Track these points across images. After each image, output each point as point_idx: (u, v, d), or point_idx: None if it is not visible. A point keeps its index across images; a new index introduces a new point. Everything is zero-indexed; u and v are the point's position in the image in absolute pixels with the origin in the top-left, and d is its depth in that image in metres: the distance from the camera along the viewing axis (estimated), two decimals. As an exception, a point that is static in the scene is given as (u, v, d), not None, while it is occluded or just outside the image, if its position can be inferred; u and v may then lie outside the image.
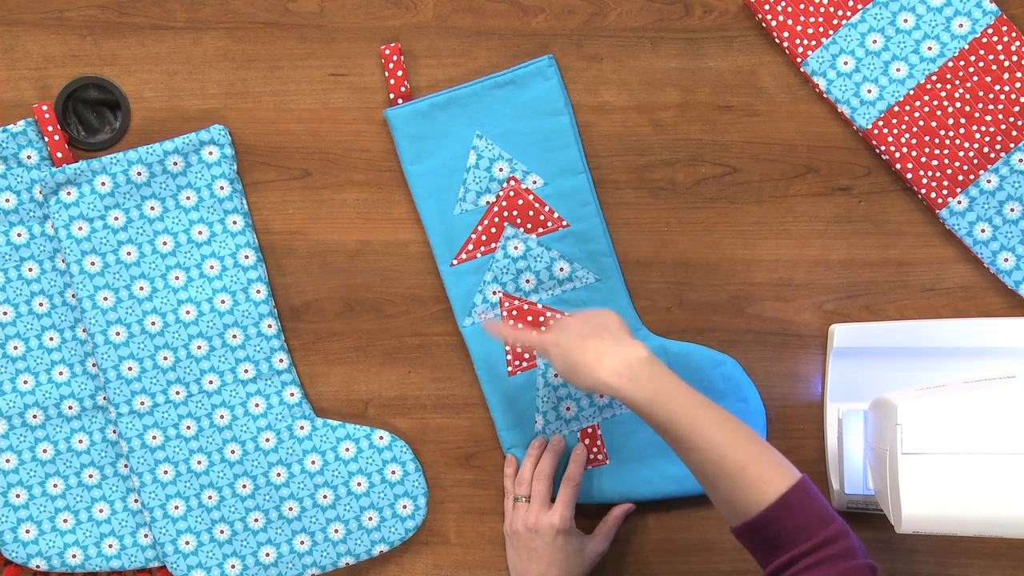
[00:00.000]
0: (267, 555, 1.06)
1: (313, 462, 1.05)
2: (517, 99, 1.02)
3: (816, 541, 0.82)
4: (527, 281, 1.04)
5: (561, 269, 1.04)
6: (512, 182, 1.03)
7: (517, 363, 1.05)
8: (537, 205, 1.03)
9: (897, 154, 1.01)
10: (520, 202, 1.03)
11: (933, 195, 1.01)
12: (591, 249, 1.04)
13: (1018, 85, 0.99)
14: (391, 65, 1.04)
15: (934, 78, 1.00)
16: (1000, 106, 1.00)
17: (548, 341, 0.93)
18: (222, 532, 1.05)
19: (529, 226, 1.04)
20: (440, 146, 1.03)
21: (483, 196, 1.04)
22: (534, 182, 1.03)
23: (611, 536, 1.04)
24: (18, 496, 1.06)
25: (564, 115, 1.02)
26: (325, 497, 1.05)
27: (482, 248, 1.04)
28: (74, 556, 1.06)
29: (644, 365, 0.89)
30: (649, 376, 0.88)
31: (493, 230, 1.04)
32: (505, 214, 1.04)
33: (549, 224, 1.04)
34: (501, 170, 1.03)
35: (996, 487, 0.84)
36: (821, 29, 1.01)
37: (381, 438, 1.06)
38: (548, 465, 1.03)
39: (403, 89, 1.04)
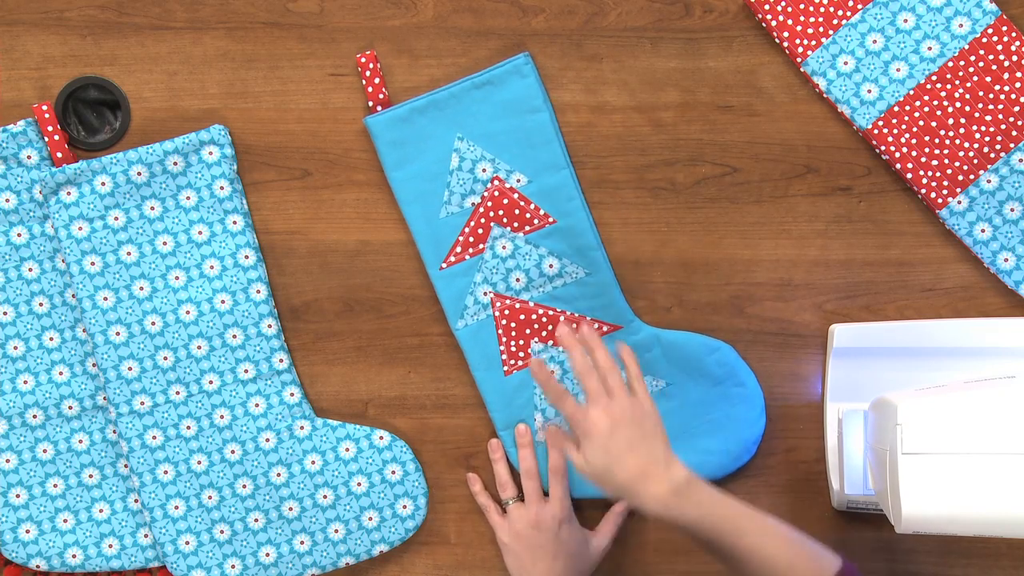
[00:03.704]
0: (267, 555, 1.06)
1: (313, 462, 1.05)
2: (495, 99, 1.02)
3: None
4: (517, 280, 1.04)
5: (550, 266, 1.04)
6: (496, 182, 1.03)
7: (512, 362, 1.05)
8: (522, 203, 1.03)
9: (897, 154, 1.01)
10: (505, 201, 1.03)
11: (933, 195, 1.01)
12: (579, 244, 1.04)
13: (1018, 85, 0.99)
14: (368, 73, 1.04)
15: (934, 78, 1.00)
16: (1000, 106, 1.00)
17: (588, 431, 0.90)
18: (222, 532, 1.05)
19: (516, 225, 1.04)
20: (421, 151, 1.03)
21: (468, 198, 1.04)
22: (518, 180, 1.03)
23: (614, 531, 1.04)
24: (18, 496, 1.06)
25: (543, 112, 1.02)
26: (325, 497, 1.05)
27: (470, 250, 1.04)
28: (74, 556, 1.06)
29: (687, 488, 0.89)
30: (695, 501, 0.88)
31: (480, 231, 1.04)
32: (491, 214, 1.04)
33: (535, 221, 1.04)
34: (484, 171, 1.03)
35: (996, 487, 0.84)
36: (821, 29, 1.01)
37: (381, 438, 1.06)
38: (531, 460, 1.03)
39: (381, 96, 1.04)
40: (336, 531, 1.06)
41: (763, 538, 0.89)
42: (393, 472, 1.06)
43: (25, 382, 1.05)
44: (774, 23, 1.01)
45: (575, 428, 0.91)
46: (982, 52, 0.99)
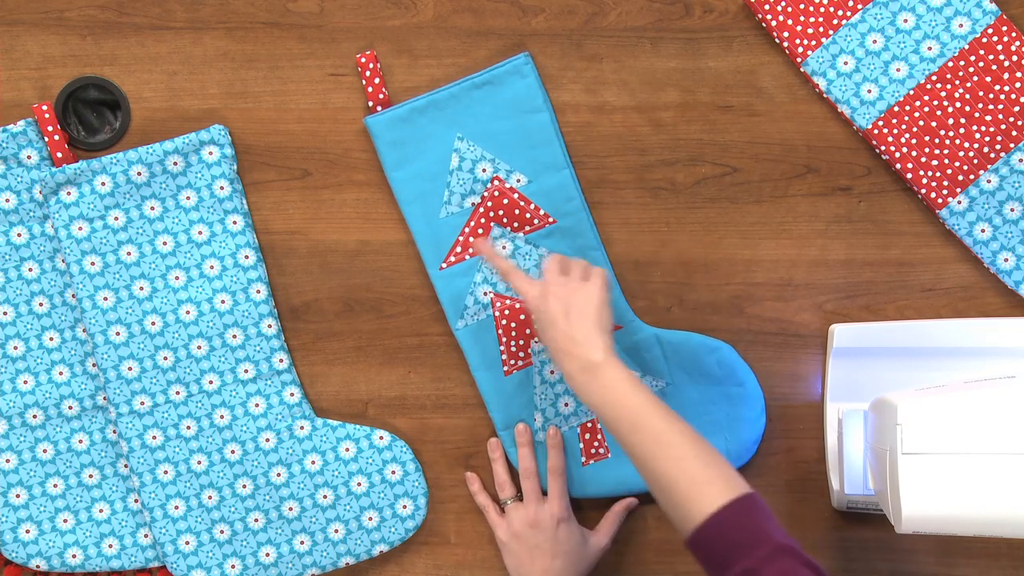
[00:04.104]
0: (267, 555, 1.06)
1: (313, 462, 1.05)
2: (496, 99, 1.02)
3: (751, 562, 0.78)
4: None
5: None
6: (496, 182, 1.03)
7: (513, 362, 1.05)
8: (522, 203, 1.03)
9: (897, 154, 1.01)
10: (505, 201, 1.03)
11: (933, 195, 1.01)
12: (579, 244, 1.04)
13: (1018, 85, 0.99)
14: (368, 73, 1.04)
15: (934, 78, 1.00)
16: (1000, 106, 1.00)
17: (527, 304, 0.94)
18: (222, 532, 1.05)
19: (516, 225, 1.04)
20: (422, 151, 1.03)
21: (468, 198, 1.04)
22: (518, 180, 1.03)
23: (613, 531, 1.04)
24: (18, 496, 1.06)
25: (544, 112, 1.02)
26: (325, 497, 1.05)
27: (470, 250, 1.04)
28: (74, 556, 1.06)
29: (597, 370, 0.89)
30: (602, 384, 0.88)
31: (480, 231, 1.04)
32: (491, 214, 1.04)
33: (536, 222, 1.04)
34: (484, 171, 1.03)
35: (996, 487, 0.84)
36: (821, 29, 1.01)
37: (381, 438, 1.06)
38: (530, 460, 1.03)
39: (381, 96, 1.04)
40: (336, 531, 1.06)
41: (658, 447, 0.85)
42: (393, 472, 1.06)
43: (25, 382, 1.05)
44: (774, 23, 1.01)
45: (522, 302, 0.96)
46: (982, 52, 0.99)
